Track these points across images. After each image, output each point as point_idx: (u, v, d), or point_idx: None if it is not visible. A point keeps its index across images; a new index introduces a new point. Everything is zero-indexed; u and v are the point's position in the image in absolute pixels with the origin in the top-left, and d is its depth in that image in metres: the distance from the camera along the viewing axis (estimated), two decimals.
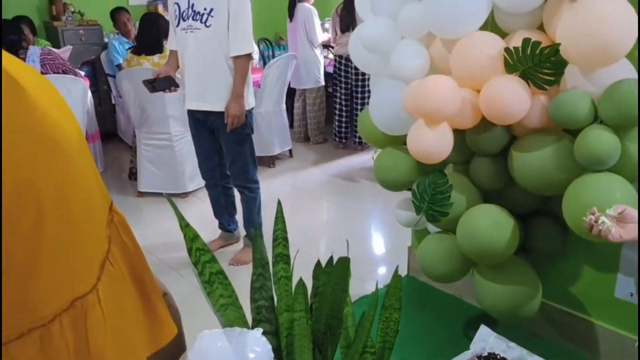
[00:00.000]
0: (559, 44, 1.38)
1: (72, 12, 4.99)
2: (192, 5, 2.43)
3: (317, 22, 4.75)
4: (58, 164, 0.64)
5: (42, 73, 3.23)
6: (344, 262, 0.92)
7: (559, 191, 1.52)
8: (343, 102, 4.75)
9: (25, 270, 0.62)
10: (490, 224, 1.59)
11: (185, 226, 0.93)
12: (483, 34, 1.56)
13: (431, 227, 2.01)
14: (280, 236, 1.09)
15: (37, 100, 0.64)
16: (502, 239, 1.57)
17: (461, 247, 1.67)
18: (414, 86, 1.58)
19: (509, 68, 1.49)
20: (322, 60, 4.92)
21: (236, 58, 2.47)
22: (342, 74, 4.63)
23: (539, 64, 1.43)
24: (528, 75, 1.47)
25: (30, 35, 4.09)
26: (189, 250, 0.94)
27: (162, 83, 2.60)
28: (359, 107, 4.66)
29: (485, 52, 1.51)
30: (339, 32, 4.56)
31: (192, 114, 2.65)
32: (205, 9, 2.41)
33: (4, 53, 0.71)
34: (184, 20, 2.46)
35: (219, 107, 2.52)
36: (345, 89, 4.69)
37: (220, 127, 2.59)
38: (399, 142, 2.04)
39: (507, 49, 1.47)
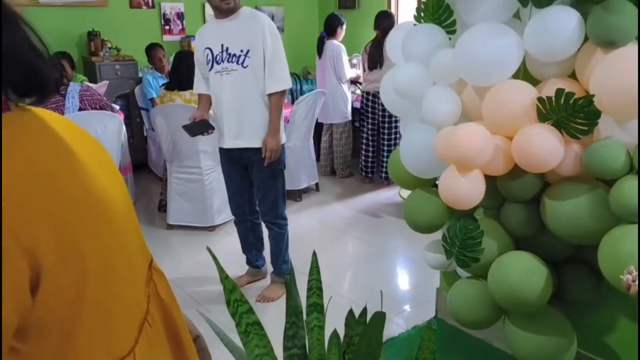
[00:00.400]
0: (592, 95, 1.39)
1: (110, 48, 5.19)
2: (227, 48, 2.52)
3: (345, 58, 4.84)
4: (104, 229, 0.66)
5: (80, 109, 3.36)
6: (380, 317, 0.92)
7: (593, 241, 1.50)
8: (370, 137, 4.79)
9: (65, 333, 0.64)
10: (522, 272, 1.57)
11: (224, 278, 0.95)
12: (515, 82, 1.58)
13: (461, 271, 2.00)
14: (315, 286, 1.10)
15: (88, 166, 0.67)
16: (535, 288, 1.55)
17: (493, 294, 1.65)
18: (446, 133, 1.60)
19: (542, 117, 1.49)
20: (349, 96, 4.98)
21: (272, 94, 2.55)
22: (370, 109, 4.68)
23: (572, 114, 1.44)
24: (561, 124, 1.47)
25: (69, 71, 4.27)
26: (228, 302, 0.96)
27: (199, 127, 2.68)
28: (385, 142, 4.69)
29: (518, 100, 1.52)
30: (366, 70, 4.63)
31: (226, 151, 2.71)
32: (242, 51, 2.50)
33: (54, 114, 0.75)
34: (218, 64, 2.55)
35: (256, 143, 2.60)
36: (372, 124, 4.73)
37: (256, 162, 2.65)
38: (429, 183, 2.05)
39: (540, 99, 1.48)
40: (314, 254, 1.14)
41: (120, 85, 5.15)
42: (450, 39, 1.83)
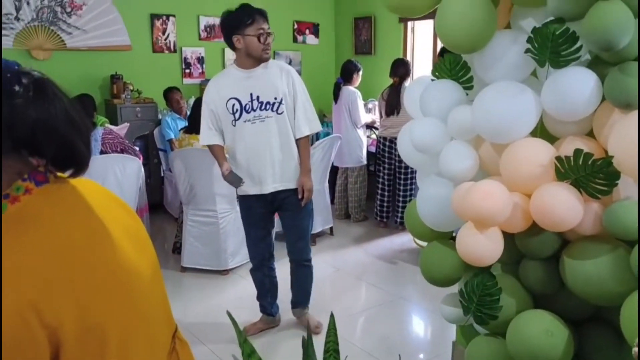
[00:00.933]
0: (611, 157, 1.39)
1: (131, 91, 5.33)
2: (257, 97, 2.61)
3: (360, 104, 4.91)
4: (127, 306, 0.67)
5: (102, 152, 3.43)
6: None
7: (614, 302, 1.47)
8: (386, 182, 4.80)
9: None
10: (542, 333, 1.54)
11: (243, 342, 0.95)
12: (533, 141, 1.59)
13: (478, 326, 1.96)
14: (332, 348, 1.09)
15: (118, 240, 0.68)
16: (555, 351, 1.51)
17: (512, 354, 1.61)
18: (464, 190, 1.60)
19: (560, 176, 1.49)
20: (364, 141, 5.03)
21: (303, 137, 2.70)
22: (386, 155, 4.71)
23: (591, 174, 1.43)
24: (580, 184, 1.47)
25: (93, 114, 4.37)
26: None
27: (236, 178, 2.72)
28: (401, 187, 4.70)
29: (536, 159, 1.52)
30: (384, 115, 4.68)
31: (259, 197, 2.74)
32: (275, 99, 2.62)
33: (90, 183, 0.76)
34: (248, 112, 2.63)
35: (292, 184, 2.72)
36: (388, 169, 4.76)
37: (290, 203, 2.75)
38: (446, 236, 2.04)
39: (558, 158, 1.48)
40: (332, 315, 1.14)
41: (140, 127, 5.27)
42: (467, 94, 1.86)
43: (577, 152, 1.43)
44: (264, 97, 2.62)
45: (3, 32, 4.83)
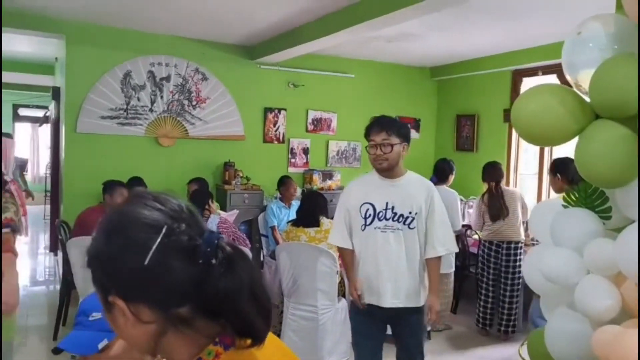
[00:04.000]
0: None
1: (241, 177, 5.65)
2: (392, 207, 2.60)
3: (459, 207, 4.79)
4: None
5: None
6: None
7: None
8: (490, 287, 4.58)
9: None
10: None
11: None
12: None
13: None
14: None
15: None
16: None
17: None
18: (610, 335, 1.48)
19: None
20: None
21: (435, 257, 2.64)
22: (492, 259, 4.52)
23: None
24: None
25: (212, 205, 4.46)
26: None
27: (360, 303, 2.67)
28: (507, 293, 4.47)
29: None
30: (487, 220, 4.53)
31: (378, 309, 2.66)
32: (410, 213, 2.60)
33: (274, 349, 0.80)
34: (380, 220, 2.61)
35: (413, 302, 2.64)
36: (493, 274, 4.55)
37: (409, 322, 2.68)
38: None
39: None
40: None
41: (246, 212, 5.52)
42: (604, 223, 1.77)
43: None
44: (399, 208, 2.59)
45: (138, 121, 5.42)
